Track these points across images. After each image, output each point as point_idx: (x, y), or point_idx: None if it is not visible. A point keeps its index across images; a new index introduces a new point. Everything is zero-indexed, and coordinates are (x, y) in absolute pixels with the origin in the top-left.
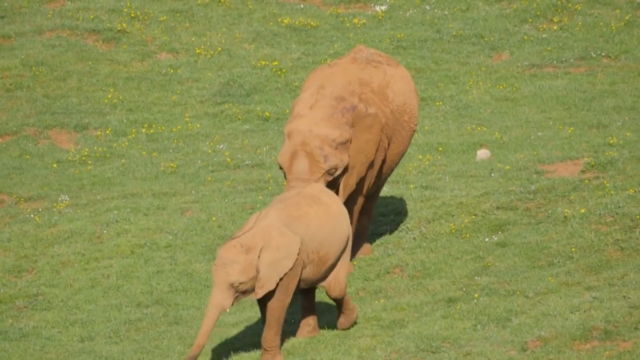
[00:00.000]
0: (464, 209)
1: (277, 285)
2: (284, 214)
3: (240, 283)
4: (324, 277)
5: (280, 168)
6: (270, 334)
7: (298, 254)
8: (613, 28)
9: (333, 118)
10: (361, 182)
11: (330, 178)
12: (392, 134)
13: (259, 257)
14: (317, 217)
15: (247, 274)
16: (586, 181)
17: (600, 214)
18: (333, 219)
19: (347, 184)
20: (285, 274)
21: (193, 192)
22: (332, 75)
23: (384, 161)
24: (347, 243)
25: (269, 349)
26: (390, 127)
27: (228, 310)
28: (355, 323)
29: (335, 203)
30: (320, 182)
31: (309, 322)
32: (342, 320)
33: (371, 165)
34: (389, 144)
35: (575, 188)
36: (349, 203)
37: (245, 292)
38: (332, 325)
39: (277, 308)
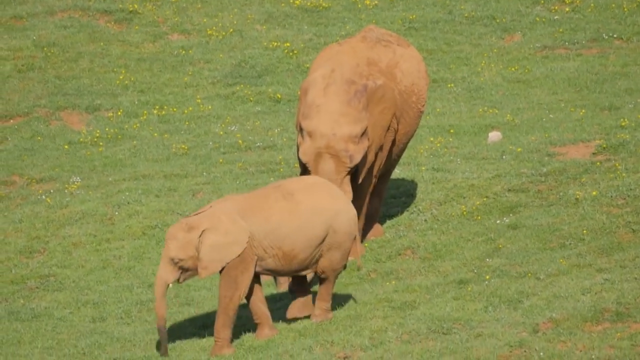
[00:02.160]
0: (476, 191)
1: (225, 273)
2: (243, 204)
3: (180, 259)
4: (300, 269)
5: (305, 164)
6: (218, 325)
7: (246, 248)
8: (625, 9)
9: (351, 107)
10: (375, 158)
11: (353, 170)
12: (400, 114)
13: (200, 237)
14: (280, 213)
15: (186, 252)
16: (598, 163)
17: (611, 196)
18: (299, 217)
19: (367, 160)
20: (234, 263)
21: (204, 173)
22: (340, 56)
23: (393, 142)
24: (327, 239)
25: (217, 340)
26: (398, 107)
27: (170, 285)
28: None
29: (309, 201)
30: (346, 178)
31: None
32: (316, 312)
33: (380, 148)
34: (397, 124)
35: (587, 170)
36: (360, 184)
37: (187, 270)
38: (344, 307)
39: (224, 297)
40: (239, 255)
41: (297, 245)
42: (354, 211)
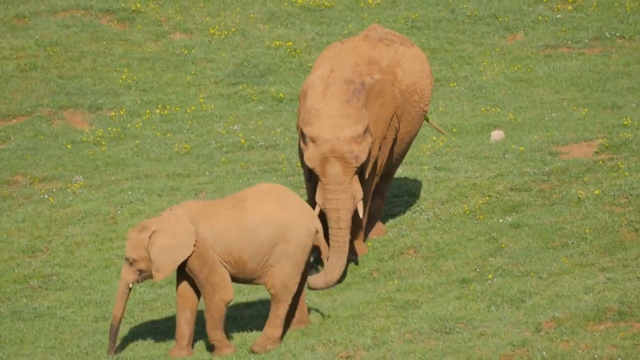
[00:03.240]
0: (478, 190)
1: (195, 278)
2: (196, 210)
3: (133, 260)
4: (254, 277)
5: (312, 169)
6: (208, 328)
7: (202, 250)
8: (628, 8)
9: (350, 107)
10: (378, 153)
11: (361, 168)
12: (402, 113)
13: (149, 238)
14: (225, 221)
15: (137, 252)
16: (600, 162)
17: (614, 195)
18: (244, 225)
19: (371, 155)
20: (195, 267)
21: (207, 173)
22: (341, 55)
23: (394, 141)
24: (276, 249)
25: (213, 342)
26: (399, 106)
27: (131, 285)
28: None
29: (256, 209)
30: (355, 177)
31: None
32: (258, 340)
33: (383, 141)
34: (398, 123)
35: (590, 169)
36: (362, 183)
37: (142, 272)
38: (346, 306)
39: (205, 301)
40: (197, 258)
41: (245, 253)
42: (312, 224)
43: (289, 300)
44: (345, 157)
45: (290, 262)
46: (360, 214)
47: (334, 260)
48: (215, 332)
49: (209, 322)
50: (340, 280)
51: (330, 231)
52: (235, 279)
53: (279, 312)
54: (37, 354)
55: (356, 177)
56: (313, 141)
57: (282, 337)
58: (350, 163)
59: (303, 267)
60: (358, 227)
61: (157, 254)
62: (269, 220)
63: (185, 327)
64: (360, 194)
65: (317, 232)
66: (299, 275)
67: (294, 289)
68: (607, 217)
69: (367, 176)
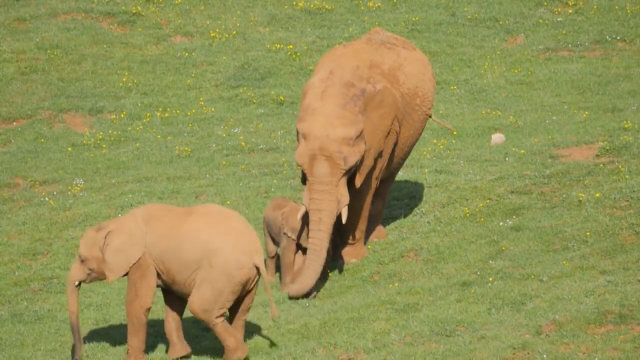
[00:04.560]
0: (479, 193)
1: (128, 277)
2: (151, 212)
3: (85, 258)
4: (185, 292)
5: (299, 166)
6: (128, 332)
7: (144, 253)
8: (628, 11)
9: (346, 110)
10: (375, 163)
11: (350, 173)
12: (403, 117)
13: (105, 238)
14: (164, 229)
15: (90, 251)
16: (601, 165)
17: (614, 198)
18: (174, 238)
19: (365, 165)
20: (132, 267)
21: (207, 175)
22: (342, 58)
23: (395, 144)
24: (201, 271)
25: (128, 348)
26: (400, 110)
27: (77, 283)
28: None
29: (192, 225)
30: (342, 181)
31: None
32: (224, 357)
33: (380, 153)
34: (400, 127)
35: (590, 172)
36: (362, 186)
37: (93, 271)
38: (347, 308)
39: (126, 302)
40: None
41: (173, 266)
42: (249, 258)
43: (218, 322)
44: (333, 156)
45: (211, 288)
46: (344, 220)
47: (309, 265)
48: (132, 339)
49: (128, 328)
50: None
51: (310, 232)
52: (170, 290)
53: (218, 331)
54: (37, 356)
55: (344, 182)
56: (305, 138)
57: (241, 342)
58: (339, 164)
59: (228, 296)
60: (359, 230)
61: (111, 254)
62: (197, 240)
63: (172, 330)
64: (345, 199)
65: (255, 267)
66: (224, 303)
67: (217, 314)
68: (607, 220)
69: (359, 184)
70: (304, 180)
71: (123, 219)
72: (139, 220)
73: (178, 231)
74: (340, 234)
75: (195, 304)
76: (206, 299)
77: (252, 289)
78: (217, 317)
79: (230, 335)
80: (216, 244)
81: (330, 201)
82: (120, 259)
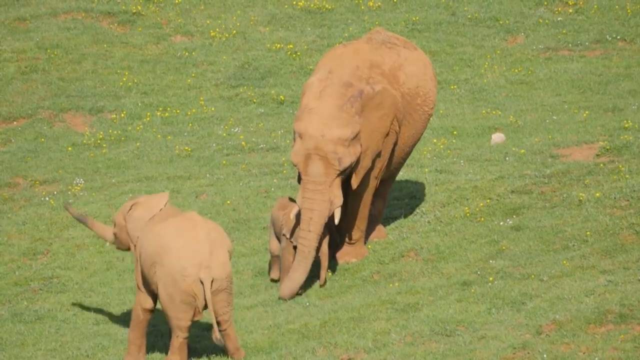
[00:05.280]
0: (479, 193)
1: None
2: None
3: (114, 223)
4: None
5: (294, 165)
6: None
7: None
8: (629, 11)
9: (343, 111)
10: (374, 163)
11: (345, 174)
12: (403, 117)
13: (130, 209)
14: (145, 213)
15: (118, 218)
16: (601, 165)
17: (615, 198)
18: (147, 227)
19: (362, 166)
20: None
21: (208, 175)
22: (342, 57)
23: (395, 144)
24: (157, 268)
25: (128, 348)
26: (400, 110)
27: (108, 244)
28: None
29: (165, 224)
30: (336, 181)
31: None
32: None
33: (379, 154)
34: (400, 127)
35: (590, 172)
36: (362, 186)
37: (116, 238)
38: (347, 308)
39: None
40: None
41: (145, 261)
42: (198, 270)
43: (179, 335)
44: (328, 156)
45: (164, 290)
46: (336, 220)
47: (296, 267)
48: (130, 333)
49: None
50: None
51: (300, 232)
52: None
53: (172, 342)
54: (37, 356)
55: (338, 182)
56: (300, 137)
57: None
58: (333, 164)
59: (180, 306)
60: (359, 230)
61: (130, 223)
62: (157, 235)
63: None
64: (338, 200)
65: (201, 282)
66: (179, 314)
67: (176, 323)
68: (607, 220)
69: (355, 186)
70: (299, 179)
71: (152, 197)
72: (161, 203)
73: (152, 222)
74: (341, 234)
75: (161, 301)
76: (163, 300)
77: (216, 303)
78: (180, 329)
79: (178, 353)
80: (171, 244)
81: (322, 201)
82: (134, 230)
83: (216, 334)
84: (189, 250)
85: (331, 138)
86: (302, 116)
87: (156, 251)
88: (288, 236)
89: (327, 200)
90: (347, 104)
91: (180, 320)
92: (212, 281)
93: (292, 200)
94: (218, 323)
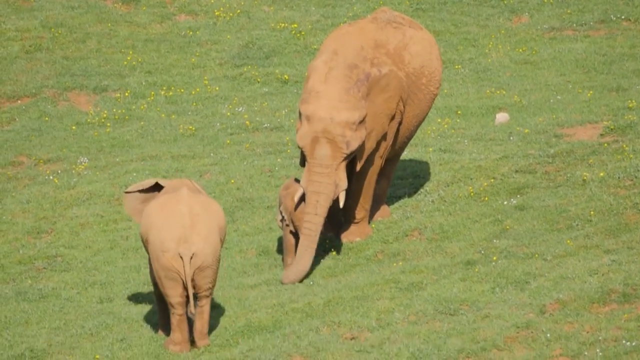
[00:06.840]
0: (483, 172)
1: None
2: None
3: None
4: None
5: (300, 148)
6: None
7: None
8: None
9: (350, 95)
10: (378, 145)
11: (350, 158)
12: (408, 96)
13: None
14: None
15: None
16: (605, 145)
17: (619, 178)
18: (149, 195)
19: (366, 148)
20: None
21: (212, 154)
22: (347, 37)
23: (400, 124)
24: (149, 244)
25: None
26: (405, 90)
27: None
28: None
29: (157, 199)
30: (342, 165)
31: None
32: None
33: (384, 136)
34: (405, 107)
35: (594, 151)
36: (367, 166)
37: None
38: (351, 287)
39: None
40: None
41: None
42: (177, 245)
43: (174, 312)
44: (336, 139)
45: (153, 266)
46: (341, 204)
47: (303, 252)
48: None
49: None
50: (312, 265)
51: (305, 216)
52: None
53: (171, 319)
54: (41, 334)
55: (343, 166)
56: (308, 120)
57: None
58: (341, 147)
59: (166, 282)
60: (363, 209)
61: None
62: (146, 214)
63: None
64: (344, 183)
65: (180, 256)
66: (168, 290)
67: (169, 299)
68: (611, 200)
69: (358, 168)
70: (302, 162)
71: (175, 180)
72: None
73: (152, 193)
74: (345, 213)
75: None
76: (155, 270)
77: (198, 280)
78: (173, 306)
79: (179, 330)
80: (155, 220)
81: (328, 184)
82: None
83: (191, 309)
84: (168, 225)
85: (339, 121)
86: (309, 99)
87: (145, 229)
88: (285, 217)
89: (333, 184)
90: (353, 88)
91: (169, 297)
92: (192, 256)
93: (298, 181)
94: (197, 298)
